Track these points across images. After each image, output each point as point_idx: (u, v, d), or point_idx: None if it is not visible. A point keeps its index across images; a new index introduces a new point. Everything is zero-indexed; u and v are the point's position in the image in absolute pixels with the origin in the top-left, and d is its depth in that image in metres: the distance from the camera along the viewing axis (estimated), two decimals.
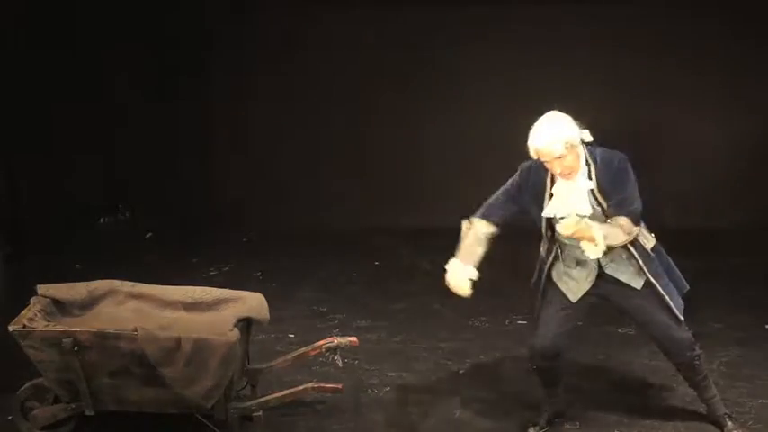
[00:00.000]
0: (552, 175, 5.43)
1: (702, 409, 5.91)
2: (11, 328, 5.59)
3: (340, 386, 6.08)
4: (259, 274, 8.51)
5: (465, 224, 5.67)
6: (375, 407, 6.23)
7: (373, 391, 6.45)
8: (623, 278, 5.52)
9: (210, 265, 8.70)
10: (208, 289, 6.15)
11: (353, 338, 6.15)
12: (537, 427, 5.89)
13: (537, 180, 5.49)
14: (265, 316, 5.98)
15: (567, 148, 5.27)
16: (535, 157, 5.38)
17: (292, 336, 7.20)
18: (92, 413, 5.71)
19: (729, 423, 5.77)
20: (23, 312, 5.73)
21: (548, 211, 5.43)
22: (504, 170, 9.74)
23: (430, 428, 5.99)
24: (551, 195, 5.44)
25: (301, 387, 6.01)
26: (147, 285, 6.16)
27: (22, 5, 8.59)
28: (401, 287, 8.18)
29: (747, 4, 8.91)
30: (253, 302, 5.97)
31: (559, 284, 5.62)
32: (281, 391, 5.99)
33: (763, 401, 6.17)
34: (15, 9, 8.47)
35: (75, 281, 6.16)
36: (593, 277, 5.54)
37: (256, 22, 9.49)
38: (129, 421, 5.83)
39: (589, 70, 9.17)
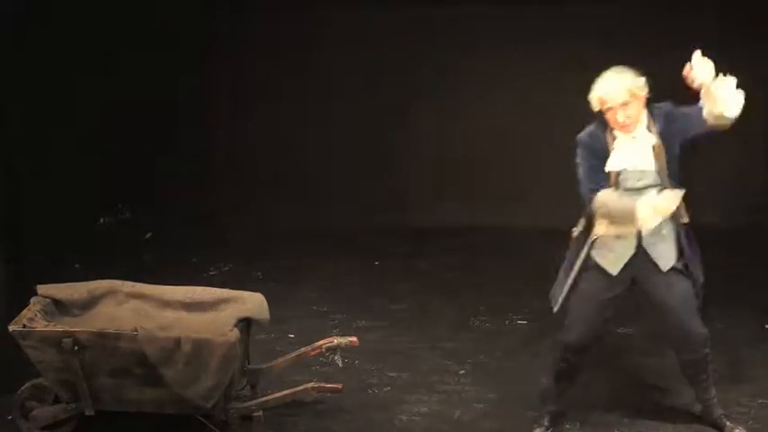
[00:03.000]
0: (612, 133, 5.38)
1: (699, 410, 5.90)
2: (11, 328, 5.59)
3: (340, 386, 6.08)
4: (259, 274, 8.50)
5: (593, 207, 5.35)
6: (375, 407, 6.23)
7: (373, 391, 6.44)
8: (655, 255, 5.41)
9: (210, 265, 8.69)
10: (208, 289, 6.16)
11: (353, 338, 6.14)
12: (543, 428, 5.84)
13: (597, 143, 5.39)
14: (265, 316, 5.98)
15: (631, 95, 5.27)
16: (598, 107, 5.33)
17: (292, 336, 7.19)
18: (92, 413, 5.70)
19: (728, 423, 5.75)
20: (23, 312, 5.73)
21: (611, 165, 5.35)
22: (505, 170, 9.73)
23: (430, 428, 5.99)
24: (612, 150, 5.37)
25: (301, 387, 6.00)
26: (147, 285, 6.16)
27: (22, 4, 8.57)
28: (401, 287, 8.17)
29: None
30: (253, 302, 5.96)
31: (598, 260, 5.47)
32: (281, 391, 5.98)
33: (763, 401, 6.16)
34: (14, 8, 8.46)
35: (75, 281, 6.16)
36: (632, 250, 5.41)
37: (256, 22, 9.49)
38: (129, 421, 5.82)
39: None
